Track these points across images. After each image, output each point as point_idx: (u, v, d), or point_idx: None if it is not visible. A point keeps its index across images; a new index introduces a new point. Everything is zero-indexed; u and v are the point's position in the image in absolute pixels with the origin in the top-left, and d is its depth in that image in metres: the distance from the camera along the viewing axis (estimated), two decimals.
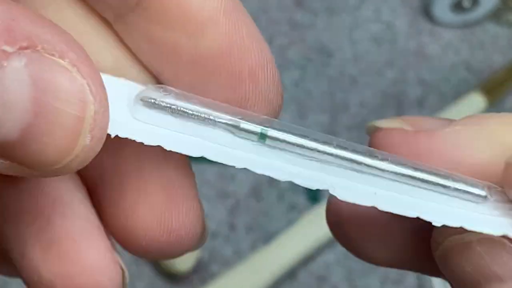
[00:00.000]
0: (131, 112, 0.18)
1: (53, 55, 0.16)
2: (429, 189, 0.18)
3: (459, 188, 0.18)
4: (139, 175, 0.19)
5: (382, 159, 0.18)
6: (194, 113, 0.18)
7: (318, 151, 0.18)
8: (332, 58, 0.62)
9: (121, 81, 0.18)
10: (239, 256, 0.55)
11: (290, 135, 0.18)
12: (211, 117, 0.18)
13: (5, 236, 0.19)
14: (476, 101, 0.60)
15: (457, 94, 0.61)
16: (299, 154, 0.18)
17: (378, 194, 0.18)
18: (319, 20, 0.64)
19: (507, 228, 0.18)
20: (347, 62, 0.62)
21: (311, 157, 0.18)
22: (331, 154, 0.18)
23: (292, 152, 0.18)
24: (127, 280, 0.20)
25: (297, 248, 0.54)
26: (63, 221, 0.19)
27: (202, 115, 0.18)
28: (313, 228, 0.54)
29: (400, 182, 0.18)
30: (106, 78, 0.17)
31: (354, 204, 0.18)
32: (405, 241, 0.21)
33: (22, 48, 0.15)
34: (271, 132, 0.18)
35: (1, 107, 0.15)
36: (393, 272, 0.56)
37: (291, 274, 0.55)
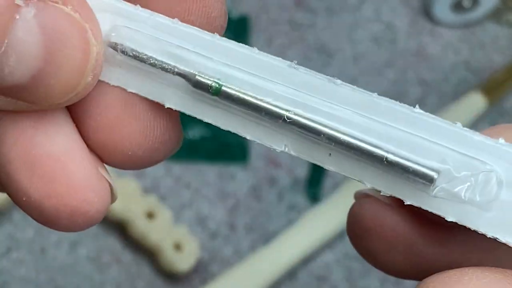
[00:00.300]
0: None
1: (57, 2, 0.17)
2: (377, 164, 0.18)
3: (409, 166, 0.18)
4: (123, 91, 0.20)
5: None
6: (156, 61, 0.19)
7: (271, 114, 0.18)
8: (332, 58, 0.62)
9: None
10: (239, 256, 0.55)
11: (244, 95, 0.18)
12: (169, 67, 0.18)
13: None
14: (476, 101, 0.59)
15: (457, 94, 0.61)
16: (253, 114, 0.18)
17: (333, 155, 0.18)
18: (319, 20, 0.64)
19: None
20: (347, 62, 0.62)
21: (263, 118, 0.18)
22: (283, 117, 0.18)
23: (244, 111, 0.18)
24: (116, 193, 0.20)
25: (297, 248, 0.54)
26: (46, 141, 0.19)
27: (163, 64, 0.19)
28: (313, 228, 0.54)
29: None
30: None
31: (376, 217, 0.19)
32: (427, 254, 0.21)
33: (29, 0, 0.16)
34: (226, 88, 0.18)
35: (13, 56, 0.16)
36: None
37: (291, 274, 0.55)
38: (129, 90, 0.19)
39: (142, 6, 0.19)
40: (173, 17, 0.19)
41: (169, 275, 0.54)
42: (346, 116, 0.18)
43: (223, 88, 0.18)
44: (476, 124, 0.60)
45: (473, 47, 0.64)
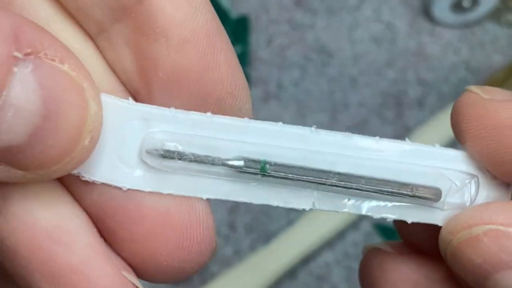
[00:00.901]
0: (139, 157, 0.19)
1: (54, 60, 0.16)
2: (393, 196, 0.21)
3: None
4: (157, 199, 0.19)
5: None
6: (196, 157, 0.19)
7: (306, 181, 0.20)
8: (332, 58, 0.62)
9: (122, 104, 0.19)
10: (239, 256, 0.55)
11: (286, 170, 0.20)
12: (213, 159, 0.19)
13: (10, 272, 0.19)
14: None
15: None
16: (289, 184, 0.20)
17: (351, 200, 0.21)
18: (319, 20, 0.64)
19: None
20: (347, 62, 0.62)
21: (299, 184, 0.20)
22: (318, 182, 0.20)
23: (284, 184, 0.20)
24: None
25: (297, 248, 0.54)
26: (64, 252, 0.18)
27: (204, 158, 0.19)
28: (313, 228, 0.54)
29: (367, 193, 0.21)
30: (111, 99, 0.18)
31: (383, 267, 0.22)
32: None
33: (27, 55, 0.16)
34: (270, 170, 0.20)
35: (11, 111, 0.15)
36: None
37: (291, 274, 0.55)
38: (165, 192, 0.19)
39: (177, 107, 0.19)
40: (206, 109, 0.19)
41: None
42: (359, 162, 0.21)
43: (268, 167, 0.20)
44: None
45: (473, 47, 0.64)
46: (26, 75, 0.16)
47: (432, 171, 0.21)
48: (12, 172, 0.17)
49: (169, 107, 0.19)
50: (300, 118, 0.58)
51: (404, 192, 0.20)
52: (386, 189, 0.20)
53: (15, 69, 0.15)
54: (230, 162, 0.19)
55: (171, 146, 0.19)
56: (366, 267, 0.23)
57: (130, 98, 0.19)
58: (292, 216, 0.56)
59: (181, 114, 0.19)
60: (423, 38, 0.64)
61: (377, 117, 0.60)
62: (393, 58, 0.63)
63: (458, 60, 0.63)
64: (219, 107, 0.19)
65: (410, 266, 0.22)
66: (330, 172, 0.20)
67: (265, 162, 0.20)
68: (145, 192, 0.19)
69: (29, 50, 0.16)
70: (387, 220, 0.21)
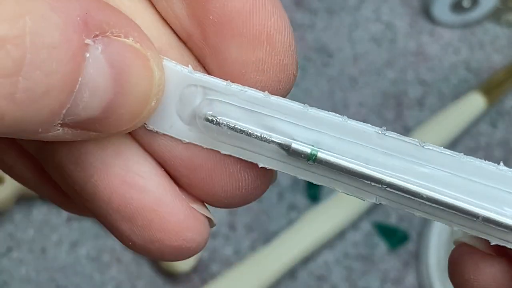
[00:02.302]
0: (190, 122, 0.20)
1: (119, 36, 0.18)
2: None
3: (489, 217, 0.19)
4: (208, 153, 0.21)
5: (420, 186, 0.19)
6: (250, 131, 0.19)
7: (367, 177, 0.19)
8: (332, 58, 0.62)
9: (172, 66, 0.20)
10: (239, 256, 0.55)
11: (340, 160, 0.19)
12: (264, 136, 0.19)
13: (91, 210, 0.21)
14: (476, 101, 0.60)
15: (457, 94, 0.61)
16: (346, 179, 0.20)
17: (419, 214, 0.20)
18: (319, 20, 0.64)
19: None
20: (347, 62, 0.62)
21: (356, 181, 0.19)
22: (376, 180, 0.19)
23: (339, 173, 0.19)
24: (214, 221, 0.22)
25: (297, 248, 0.54)
26: (138, 194, 0.20)
27: (258, 134, 0.19)
28: (313, 228, 0.54)
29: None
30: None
31: (476, 268, 0.21)
32: None
33: (96, 36, 0.17)
34: (321, 154, 0.19)
35: (87, 92, 0.17)
36: (393, 272, 0.56)
37: (291, 274, 0.55)
38: (223, 152, 0.20)
39: (215, 60, 0.20)
40: (247, 68, 0.20)
41: (169, 274, 0.54)
42: (433, 174, 0.20)
43: (318, 154, 0.19)
44: (476, 124, 0.60)
45: (473, 47, 0.64)
46: (97, 57, 0.17)
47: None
48: (88, 134, 0.18)
49: (225, 50, 0.20)
50: None
51: (477, 211, 0.19)
52: (457, 205, 0.19)
53: (87, 55, 0.17)
54: (279, 141, 0.19)
55: (222, 116, 0.19)
56: (458, 264, 0.23)
57: (189, 66, 0.20)
58: (292, 216, 0.56)
59: (236, 87, 0.20)
60: (423, 38, 0.64)
61: (377, 117, 0.60)
62: (393, 58, 0.63)
63: (458, 60, 0.63)
64: (271, 45, 0.20)
65: (505, 268, 0.22)
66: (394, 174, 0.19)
67: (317, 150, 0.19)
68: (200, 147, 0.20)
69: (97, 32, 0.17)
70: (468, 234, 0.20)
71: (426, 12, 0.64)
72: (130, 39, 0.18)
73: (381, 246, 0.56)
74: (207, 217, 0.21)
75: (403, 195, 0.19)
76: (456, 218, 0.19)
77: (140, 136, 0.20)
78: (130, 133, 0.20)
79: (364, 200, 0.20)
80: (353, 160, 0.19)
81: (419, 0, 0.65)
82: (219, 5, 0.19)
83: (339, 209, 0.55)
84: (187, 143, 0.20)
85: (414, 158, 0.19)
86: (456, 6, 0.63)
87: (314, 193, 0.56)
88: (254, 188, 0.21)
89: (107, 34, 0.17)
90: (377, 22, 0.64)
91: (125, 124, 0.19)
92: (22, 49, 0.16)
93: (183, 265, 0.52)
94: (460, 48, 0.64)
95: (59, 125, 0.17)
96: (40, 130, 0.17)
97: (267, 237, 0.55)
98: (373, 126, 0.19)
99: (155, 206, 0.20)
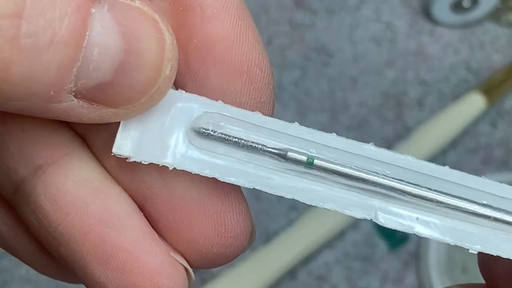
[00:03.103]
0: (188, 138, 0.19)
1: None
2: (471, 218, 0.19)
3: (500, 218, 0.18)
4: (190, 188, 0.20)
5: (427, 189, 0.19)
6: (244, 141, 0.19)
7: (363, 180, 0.19)
8: (332, 58, 0.62)
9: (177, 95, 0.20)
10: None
11: (336, 166, 0.19)
12: (259, 146, 0.19)
13: (64, 257, 0.20)
14: (476, 101, 0.60)
15: (457, 94, 0.61)
16: (343, 183, 0.19)
17: (420, 219, 0.19)
18: (319, 20, 0.64)
19: None
20: (347, 62, 0.62)
21: (355, 186, 0.19)
22: (376, 183, 0.19)
23: (336, 181, 0.19)
24: (192, 274, 0.21)
25: (297, 248, 0.54)
26: (115, 235, 0.19)
27: (251, 144, 0.19)
28: (313, 228, 0.54)
29: (441, 208, 0.19)
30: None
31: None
32: None
33: None
34: (317, 162, 0.19)
35: (96, 50, 0.17)
36: (393, 272, 0.56)
37: (291, 274, 0.55)
38: (212, 176, 0.19)
39: (194, 87, 0.20)
40: (225, 98, 0.20)
41: None
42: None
43: (316, 161, 0.19)
44: (476, 124, 0.60)
45: (473, 47, 0.64)
46: (104, 14, 0.17)
47: None
48: (104, 111, 0.18)
49: (205, 77, 0.20)
50: (300, 118, 0.58)
51: (483, 212, 0.18)
52: (461, 205, 0.18)
53: (93, 10, 0.17)
54: (274, 150, 0.19)
55: (215, 127, 0.19)
56: None
57: (180, 90, 0.19)
58: (292, 216, 0.56)
59: (229, 107, 0.19)
60: (423, 38, 0.64)
61: (377, 117, 0.60)
62: (393, 58, 0.63)
63: (458, 60, 0.63)
64: (250, 78, 0.20)
65: None
66: (392, 177, 0.19)
67: (313, 157, 0.19)
68: (180, 180, 0.20)
69: None
70: (469, 251, 0.18)
71: (426, 12, 0.64)
72: (136, 2, 0.18)
73: (381, 246, 0.56)
74: (186, 269, 0.20)
75: (397, 203, 0.19)
76: (455, 231, 0.19)
77: (120, 175, 0.20)
78: (109, 172, 0.20)
79: (357, 218, 0.19)
80: (350, 165, 0.19)
81: (419, 0, 0.65)
82: (204, 30, 0.20)
83: None
84: (166, 181, 0.19)
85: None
86: (456, 6, 0.63)
87: None
88: (233, 238, 0.20)
89: None
90: (377, 22, 0.64)
91: (141, 94, 0.18)
92: None
93: None
94: (460, 48, 0.64)
95: (73, 93, 0.17)
96: (52, 93, 0.17)
97: (267, 237, 0.55)
98: (363, 144, 0.19)
99: (131, 247, 0.19)
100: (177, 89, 0.19)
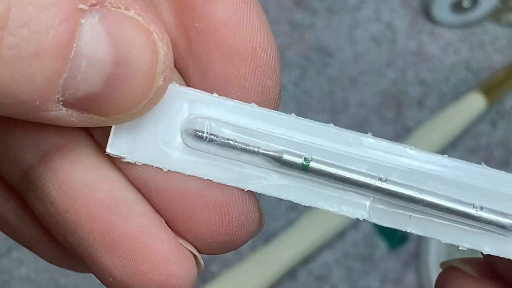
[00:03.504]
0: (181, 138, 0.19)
1: (119, 8, 0.17)
2: (459, 220, 0.19)
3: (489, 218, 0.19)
4: (190, 181, 0.20)
5: (420, 191, 0.19)
6: (238, 143, 0.19)
7: (358, 184, 0.19)
8: (332, 58, 0.62)
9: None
10: (239, 256, 0.55)
11: (331, 168, 0.19)
12: (254, 148, 0.19)
13: (71, 245, 0.20)
14: (476, 101, 0.60)
15: (457, 94, 0.61)
16: (338, 184, 0.19)
17: (413, 217, 0.19)
18: (319, 20, 0.64)
19: None
20: (347, 62, 0.62)
21: (349, 188, 0.19)
22: (370, 187, 0.19)
23: (331, 182, 0.19)
24: (202, 261, 0.20)
25: (297, 248, 0.54)
26: (122, 222, 0.19)
27: (245, 146, 0.19)
28: (313, 228, 0.54)
29: (433, 210, 0.19)
30: None
31: None
32: None
33: (93, 5, 0.16)
34: (313, 164, 0.19)
35: (84, 62, 0.16)
36: (393, 272, 0.56)
37: (291, 274, 0.55)
38: (206, 178, 0.19)
39: (197, 72, 0.19)
40: (229, 82, 0.19)
41: None
42: (424, 176, 0.19)
43: (311, 164, 0.19)
44: (476, 124, 0.60)
45: (473, 47, 0.64)
46: (94, 25, 0.16)
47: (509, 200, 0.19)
48: (95, 119, 0.18)
49: (208, 61, 0.19)
50: None
51: (469, 211, 0.18)
52: (449, 206, 0.19)
53: (82, 21, 0.16)
54: (269, 153, 0.19)
55: (211, 129, 0.19)
56: (445, 287, 0.22)
57: (173, 82, 0.19)
58: (292, 216, 0.56)
59: (224, 100, 0.19)
60: (423, 38, 0.64)
61: (377, 117, 0.60)
62: (393, 58, 0.63)
63: (458, 60, 0.63)
64: (255, 62, 0.19)
65: None
66: (384, 178, 0.19)
67: (308, 158, 0.19)
68: (181, 175, 0.19)
69: (94, 1, 0.16)
70: (459, 248, 0.19)
71: (426, 12, 0.64)
72: (131, 11, 0.17)
73: (381, 246, 0.56)
74: (194, 256, 0.20)
75: (391, 202, 0.19)
76: (447, 229, 0.19)
77: (121, 164, 0.20)
78: (113, 161, 0.20)
79: (354, 218, 0.19)
80: (343, 166, 0.19)
81: (419, 0, 0.65)
82: (206, 12, 0.19)
83: None
84: (166, 172, 0.19)
85: (400, 160, 0.19)
86: (456, 6, 0.63)
87: None
88: (239, 226, 0.20)
89: (105, 4, 0.17)
90: (377, 22, 0.64)
91: (132, 105, 0.18)
92: (5, 2, 0.15)
93: None
94: (460, 48, 0.64)
95: (61, 103, 0.17)
96: (37, 103, 0.16)
97: (267, 237, 0.55)
98: (359, 134, 0.19)
99: (139, 234, 0.19)
100: (171, 82, 0.19)
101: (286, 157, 0.19)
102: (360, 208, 0.19)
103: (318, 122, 0.19)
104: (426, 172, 0.19)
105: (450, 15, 0.64)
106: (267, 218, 0.61)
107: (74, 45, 0.16)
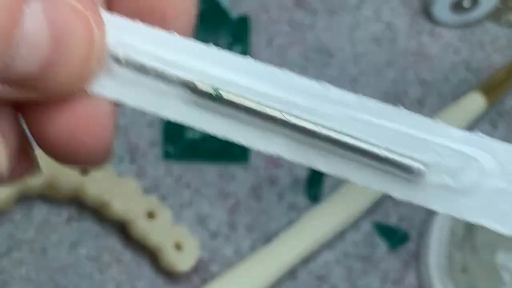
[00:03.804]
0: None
1: None
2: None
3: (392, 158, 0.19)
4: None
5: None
6: (156, 70, 0.20)
7: (272, 118, 0.19)
8: (332, 58, 0.62)
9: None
10: (239, 256, 0.55)
11: (242, 99, 0.19)
12: (168, 74, 0.20)
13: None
14: (476, 101, 0.60)
15: (457, 94, 0.61)
16: (252, 120, 0.19)
17: (325, 155, 0.19)
18: (319, 20, 0.64)
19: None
20: (347, 62, 0.62)
21: (264, 124, 0.19)
22: (285, 123, 0.19)
23: (245, 117, 0.19)
24: (37, 161, 0.22)
25: (297, 248, 0.54)
26: None
27: (163, 73, 0.20)
28: (313, 228, 0.54)
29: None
30: None
31: None
32: None
33: None
34: (224, 94, 0.19)
35: (24, 47, 0.17)
36: (393, 272, 0.56)
37: (291, 274, 0.55)
38: (128, 103, 0.20)
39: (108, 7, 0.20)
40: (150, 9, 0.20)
41: (169, 274, 0.54)
42: (337, 115, 0.20)
43: (222, 92, 0.19)
44: (476, 124, 0.60)
45: (473, 47, 0.64)
46: (36, 13, 0.17)
47: (422, 144, 0.19)
48: (29, 94, 0.19)
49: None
50: None
51: (375, 151, 0.19)
52: (354, 144, 0.19)
53: (26, 9, 0.17)
54: (183, 79, 0.19)
55: (128, 54, 0.20)
56: None
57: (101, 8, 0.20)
58: (292, 216, 0.56)
59: (143, 26, 0.20)
60: (423, 38, 0.64)
61: None
62: (393, 58, 0.63)
63: (458, 60, 0.63)
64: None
65: None
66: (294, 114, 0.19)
67: (219, 88, 0.19)
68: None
69: None
70: (366, 187, 0.19)
71: (426, 12, 0.64)
72: None
73: (381, 246, 0.56)
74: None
75: (302, 139, 0.19)
76: (357, 171, 0.19)
77: None
78: None
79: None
80: (255, 99, 0.19)
81: (419, 0, 0.65)
82: None
83: (339, 209, 0.55)
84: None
85: (317, 98, 0.20)
86: (456, 6, 0.63)
87: (314, 193, 0.56)
88: (89, 145, 0.20)
89: None
90: (377, 22, 0.64)
91: (66, 86, 0.19)
92: None
93: (183, 265, 0.52)
94: (460, 48, 0.64)
95: None
96: None
97: (268, 237, 0.55)
98: (277, 68, 0.20)
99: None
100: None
101: (198, 85, 0.19)
102: (273, 144, 0.19)
103: (235, 54, 0.20)
104: (339, 112, 0.20)
105: (450, 15, 0.64)
106: (267, 218, 0.61)
107: (16, 32, 0.17)
